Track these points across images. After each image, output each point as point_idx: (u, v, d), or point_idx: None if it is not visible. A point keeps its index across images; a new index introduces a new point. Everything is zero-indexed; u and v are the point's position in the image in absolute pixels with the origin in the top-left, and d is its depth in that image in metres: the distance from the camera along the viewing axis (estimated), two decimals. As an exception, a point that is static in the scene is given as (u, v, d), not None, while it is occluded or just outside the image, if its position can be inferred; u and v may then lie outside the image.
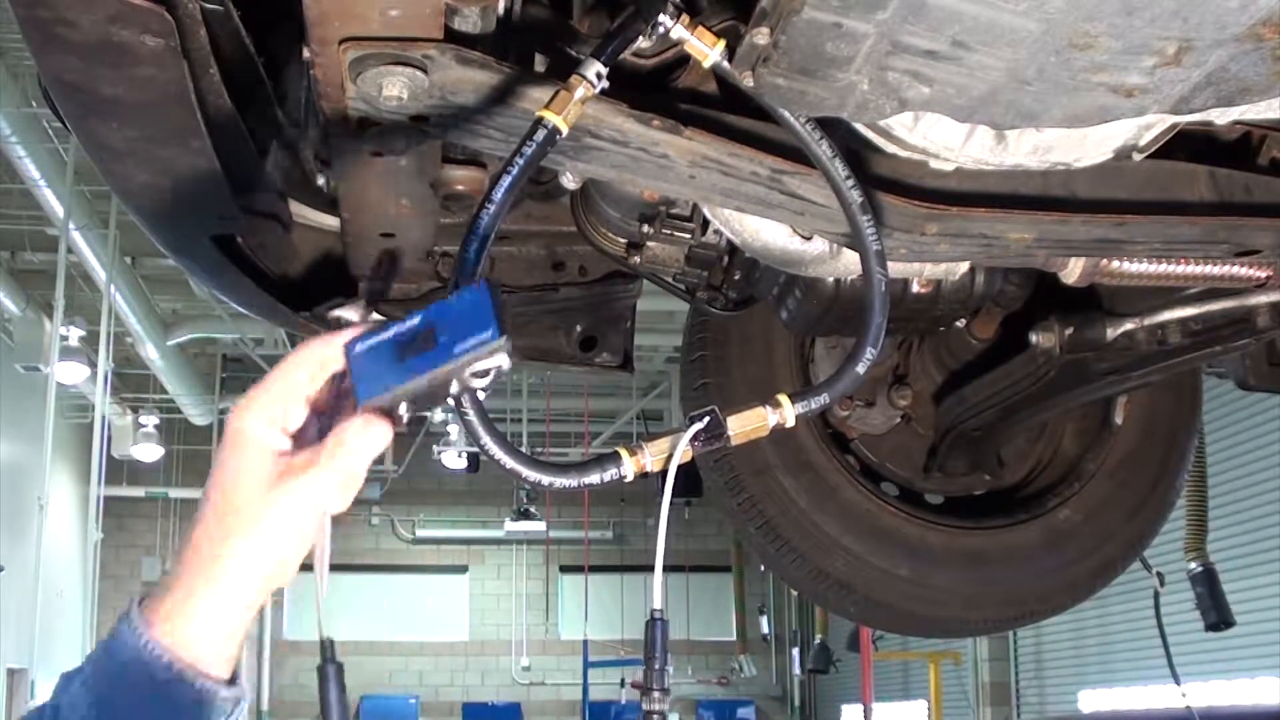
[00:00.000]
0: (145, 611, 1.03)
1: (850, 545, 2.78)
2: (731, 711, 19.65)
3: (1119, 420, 2.92)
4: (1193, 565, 4.29)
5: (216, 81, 1.45)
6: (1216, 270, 1.88)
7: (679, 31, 1.31)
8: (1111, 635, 11.76)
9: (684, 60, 1.56)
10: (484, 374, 0.99)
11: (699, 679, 19.32)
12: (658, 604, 1.16)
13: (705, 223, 2.09)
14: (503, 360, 0.98)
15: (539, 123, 1.24)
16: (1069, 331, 2.41)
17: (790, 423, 1.22)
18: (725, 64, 1.32)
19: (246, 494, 1.03)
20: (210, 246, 1.86)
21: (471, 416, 1.13)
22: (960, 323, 2.59)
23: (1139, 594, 8.38)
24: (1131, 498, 2.94)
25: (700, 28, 1.32)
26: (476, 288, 1.00)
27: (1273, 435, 9.56)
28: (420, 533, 20.44)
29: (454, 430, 17.93)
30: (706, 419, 1.19)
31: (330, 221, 1.98)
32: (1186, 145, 1.70)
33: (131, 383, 16.72)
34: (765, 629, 20.06)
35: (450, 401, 1.04)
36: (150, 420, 16.88)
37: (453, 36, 1.37)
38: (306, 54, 1.37)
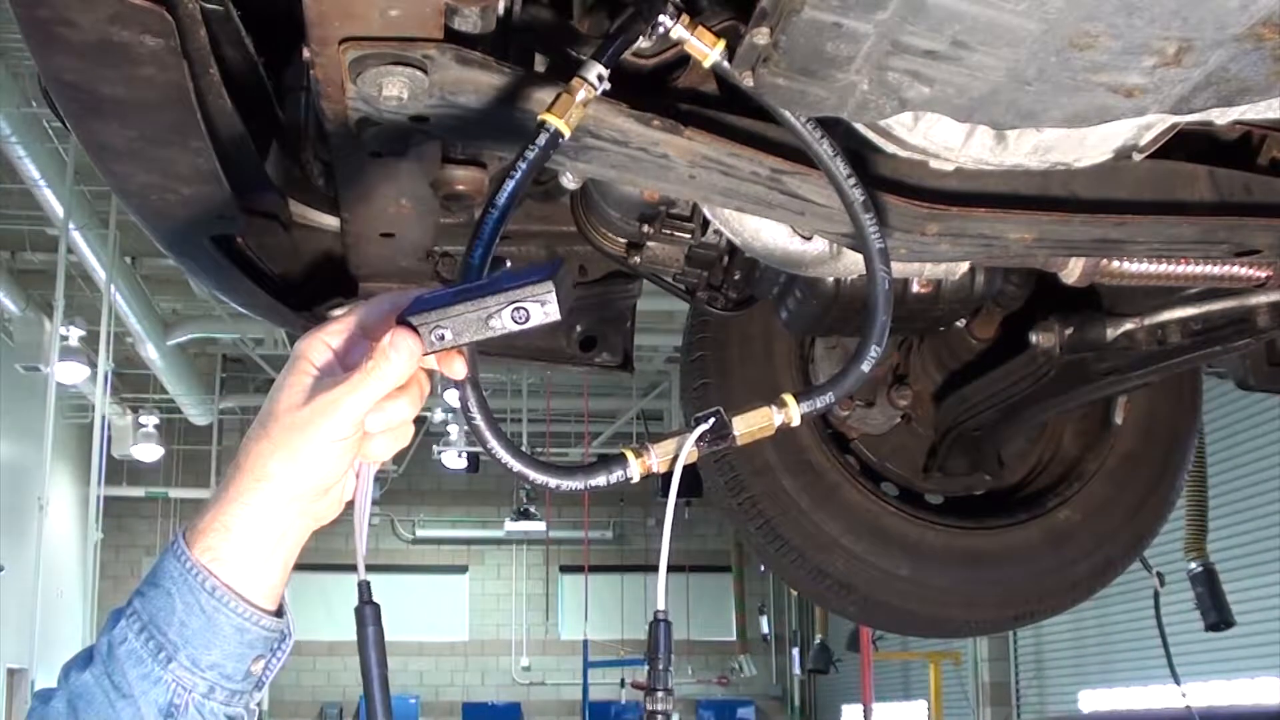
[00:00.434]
0: (188, 533, 1.05)
1: (850, 545, 2.78)
2: (731, 711, 19.66)
3: (1119, 420, 2.92)
4: (1193, 565, 4.30)
5: (216, 81, 1.45)
6: (1216, 270, 1.88)
7: (679, 32, 1.31)
8: (1111, 635, 11.76)
9: (684, 60, 1.55)
10: (525, 316, 1.02)
11: (699, 679, 19.34)
12: (661, 604, 1.15)
13: (705, 223, 2.09)
14: (550, 307, 1.02)
15: (541, 126, 1.24)
16: (1069, 331, 2.41)
17: (796, 422, 1.22)
18: (725, 64, 1.31)
19: (285, 405, 1.05)
20: (210, 246, 1.86)
21: (478, 419, 1.13)
22: (960, 323, 2.59)
23: (1139, 594, 8.39)
24: (1131, 498, 2.94)
25: (700, 28, 1.32)
26: (550, 263, 1.05)
27: (1273, 435, 9.56)
28: (420, 533, 20.45)
29: (454, 430, 17.93)
30: (712, 419, 1.18)
31: (330, 221, 1.98)
32: (1186, 145, 1.70)
33: (131, 383, 16.72)
34: (765, 629, 20.07)
35: (495, 334, 1.04)
36: (150, 420, 16.88)
37: (453, 36, 1.37)
38: (306, 54, 1.37)
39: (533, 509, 19.08)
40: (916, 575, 2.82)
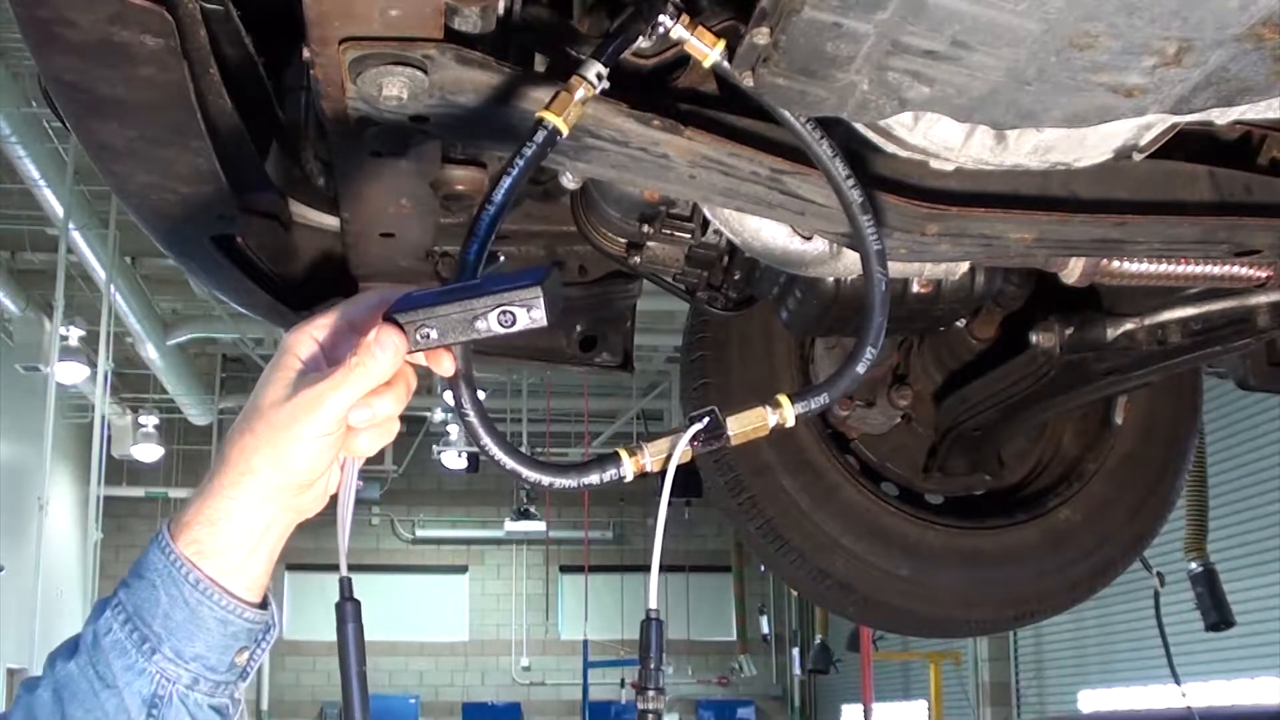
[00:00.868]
0: (172, 526, 1.06)
1: (850, 545, 2.78)
2: (731, 711, 19.65)
3: (1119, 420, 2.92)
4: (1193, 565, 4.30)
5: (216, 81, 1.45)
6: (1216, 270, 1.88)
7: (679, 31, 1.31)
8: (1111, 635, 11.76)
9: (684, 60, 1.55)
10: (511, 320, 1.02)
11: (699, 679, 19.34)
12: (653, 603, 1.16)
13: (705, 223, 2.09)
14: (536, 312, 1.02)
15: (539, 124, 1.24)
16: (1069, 331, 2.41)
17: (790, 423, 1.22)
18: (725, 64, 1.31)
19: (269, 400, 1.05)
20: (210, 246, 1.86)
21: (472, 417, 1.13)
22: (960, 323, 2.59)
23: (1139, 594, 8.38)
24: (1131, 498, 2.94)
25: (700, 28, 1.32)
26: (541, 268, 1.05)
27: (1273, 435, 9.56)
28: (420, 533, 20.44)
29: (454, 430, 17.93)
30: (706, 419, 1.19)
31: (330, 221, 1.98)
32: (1186, 145, 1.70)
33: (131, 383, 16.72)
34: (765, 629, 20.07)
35: (480, 336, 1.05)
36: (150, 420, 16.88)
37: (453, 36, 1.37)
38: (306, 54, 1.37)
39: (533, 509, 19.08)
40: (916, 575, 2.82)
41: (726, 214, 1.83)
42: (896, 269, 1.91)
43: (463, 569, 20.70)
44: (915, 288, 2.11)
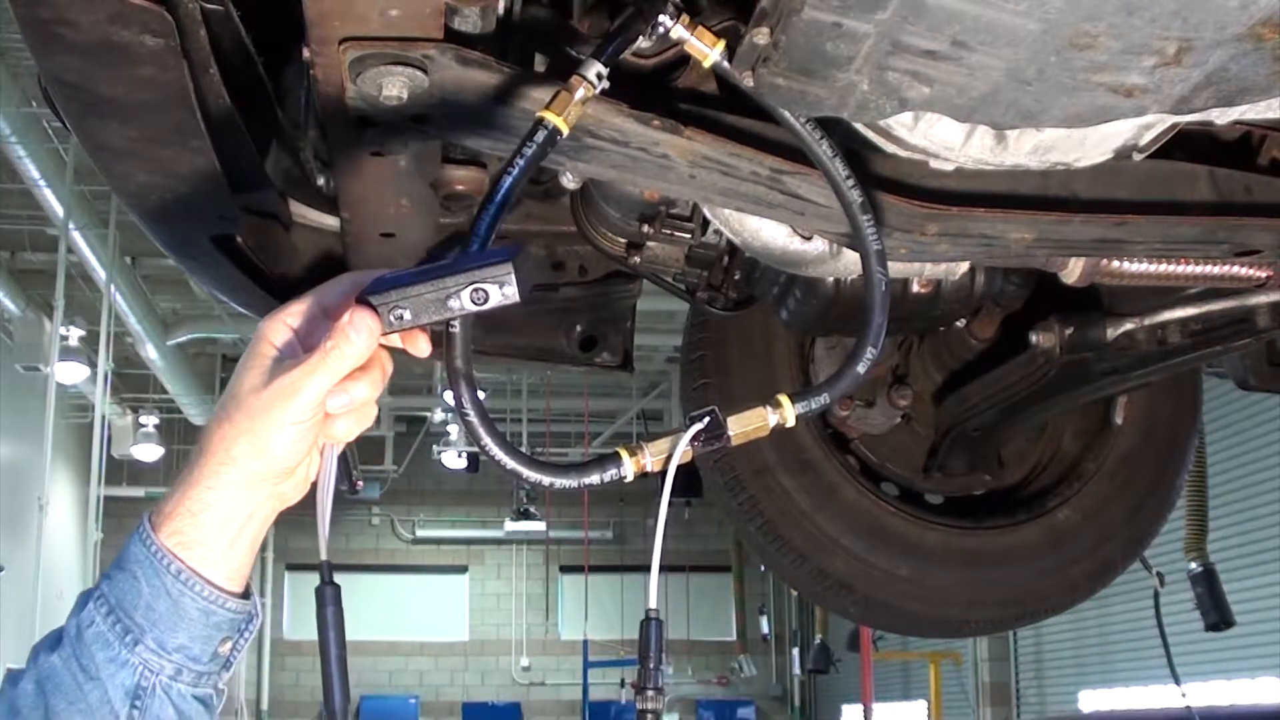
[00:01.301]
0: (153, 517, 1.06)
1: (850, 545, 2.78)
2: (731, 711, 19.64)
3: (1119, 420, 2.92)
4: (1193, 565, 4.30)
5: (216, 81, 1.45)
6: (1216, 270, 1.88)
7: (679, 31, 1.31)
8: (1111, 635, 11.76)
9: (684, 60, 1.55)
10: (484, 298, 1.02)
11: (699, 679, 19.32)
12: (653, 603, 1.16)
13: (705, 223, 2.09)
14: (509, 289, 1.02)
15: (539, 123, 1.24)
16: (1069, 331, 2.41)
17: (790, 423, 1.22)
18: (725, 64, 1.32)
19: (246, 388, 1.05)
20: (210, 246, 1.86)
21: (472, 417, 1.13)
22: (960, 323, 2.59)
23: (1139, 594, 8.38)
24: (1131, 498, 2.94)
25: (700, 28, 1.32)
26: (513, 245, 1.06)
27: (1273, 435, 9.56)
28: (420, 533, 20.43)
29: (454, 430, 17.92)
30: (706, 419, 1.19)
31: (330, 221, 1.98)
32: (1186, 145, 1.70)
33: (131, 383, 16.71)
34: (765, 629, 20.06)
35: (454, 314, 1.05)
36: (150, 420, 16.86)
37: (453, 36, 1.37)
38: (306, 54, 1.37)
39: (533, 509, 19.06)
40: (916, 575, 2.82)
41: (726, 214, 1.83)
42: (896, 269, 1.91)
43: (463, 569, 20.69)
44: (915, 288, 2.11)
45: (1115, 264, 1.87)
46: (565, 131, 1.25)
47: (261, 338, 1.08)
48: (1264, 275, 1.89)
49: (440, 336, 1.13)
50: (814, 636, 16.03)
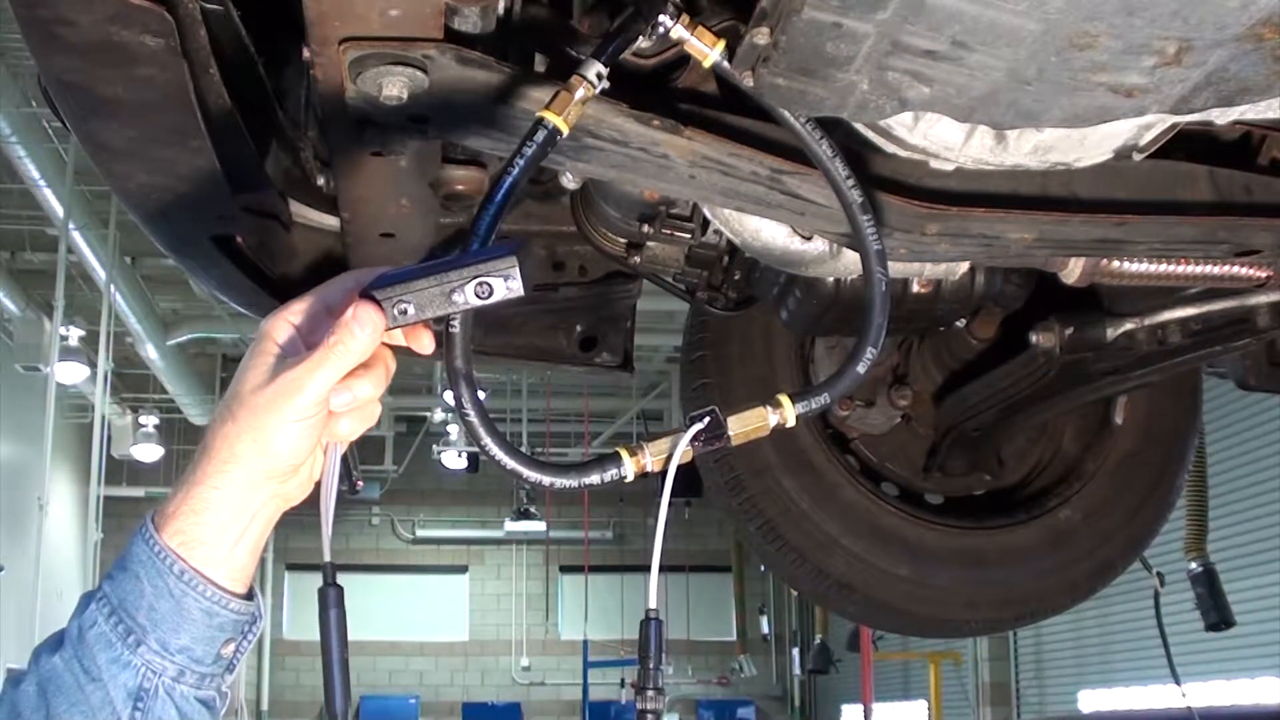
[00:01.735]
0: (156, 517, 1.05)
1: (850, 545, 2.78)
2: (731, 711, 19.65)
3: (1119, 420, 2.92)
4: (1193, 565, 4.29)
5: (216, 81, 1.45)
6: (1216, 270, 1.89)
7: (679, 31, 1.31)
8: (1111, 635, 11.76)
9: (684, 60, 1.55)
10: (488, 291, 1.02)
11: (699, 679, 19.32)
12: (653, 603, 1.16)
13: (705, 223, 2.09)
14: (513, 282, 1.02)
15: (539, 123, 1.24)
16: (1069, 331, 2.41)
17: (791, 423, 1.22)
18: (725, 64, 1.32)
19: (249, 386, 1.04)
20: (210, 246, 1.86)
21: (472, 417, 1.13)
22: (960, 323, 2.59)
23: (1139, 594, 8.37)
24: (1131, 498, 2.94)
25: (700, 28, 1.32)
26: (515, 240, 1.05)
27: (1273, 435, 9.56)
28: (420, 533, 20.44)
29: (454, 430, 17.92)
30: (707, 419, 1.19)
31: (330, 221, 1.98)
32: (1186, 145, 1.70)
33: (131, 383, 16.71)
34: (765, 629, 20.06)
35: (458, 308, 1.04)
36: (150, 420, 16.86)
37: (453, 36, 1.37)
38: (306, 54, 1.37)
39: (533, 509, 19.06)
40: (916, 575, 2.82)
41: (726, 214, 1.83)
42: (896, 269, 1.91)
43: (463, 569, 20.69)
44: (915, 288, 2.11)
45: (1115, 264, 1.87)
46: (565, 131, 1.25)
47: (265, 336, 1.07)
48: (1264, 275, 1.89)
49: (440, 337, 1.13)
50: (814, 636, 16.03)
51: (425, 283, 1.03)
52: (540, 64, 1.62)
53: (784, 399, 1.22)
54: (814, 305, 2.13)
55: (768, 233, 1.84)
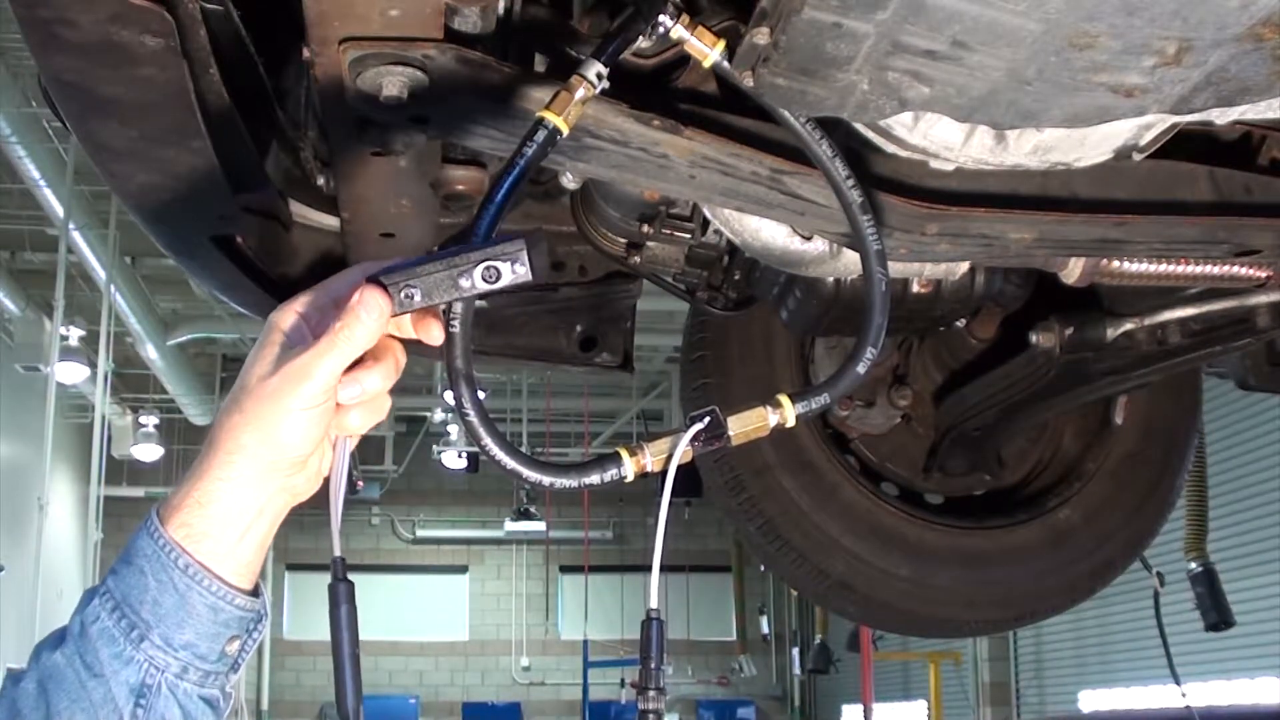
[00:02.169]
0: (161, 510, 1.04)
1: (850, 545, 2.78)
2: (731, 711, 19.64)
3: (1119, 420, 2.92)
4: (1193, 565, 4.30)
5: (216, 81, 1.45)
6: (1216, 270, 1.89)
7: (679, 32, 1.31)
8: (1111, 635, 11.76)
9: (684, 60, 1.55)
10: (496, 275, 1.01)
11: (699, 679, 19.32)
12: (654, 603, 1.16)
13: (705, 223, 2.09)
14: (520, 266, 1.01)
15: (539, 123, 1.24)
16: (1069, 331, 2.41)
17: (791, 423, 1.22)
18: (725, 64, 1.31)
19: (256, 376, 1.03)
20: (210, 246, 1.86)
21: (472, 417, 1.13)
22: (960, 323, 2.59)
23: (1139, 594, 8.37)
24: (1131, 498, 2.94)
25: (700, 28, 1.32)
26: (520, 231, 1.04)
27: (1273, 435, 9.56)
28: (420, 533, 20.44)
29: (454, 430, 17.92)
30: (707, 419, 1.19)
31: (330, 221, 1.98)
32: (1186, 145, 1.70)
33: (131, 383, 16.71)
34: (765, 629, 20.06)
35: (465, 293, 1.04)
36: (150, 420, 16.86)
37: (453, 36, 1.37)
38: (306, 54, 1.37)
39: (533, 509, 19.06)
40: (916, 575, 2.82)
41: (726, 214, 1.83)
42: (896, 269, 1.91)
43: (463, 569, 20.69)
44: (915, 288, 2.11)
45: (1115, 264, 1.87)
46: (565, 131, 1.25)
47: (272, 327, 1.07)
48: (1264, 275, 1.89)
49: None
50: (814, 636, 16.03)
51: (432, 268, 1.03)
52: (540, 64, 1.62)
53: (784, 399, 1.22)
54: (814, 305, 2.13)
55: (768, 233, 1.84)
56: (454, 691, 20.00)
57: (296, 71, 1.70)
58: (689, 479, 2.36)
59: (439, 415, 17.59)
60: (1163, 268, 1.87)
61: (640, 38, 1.33)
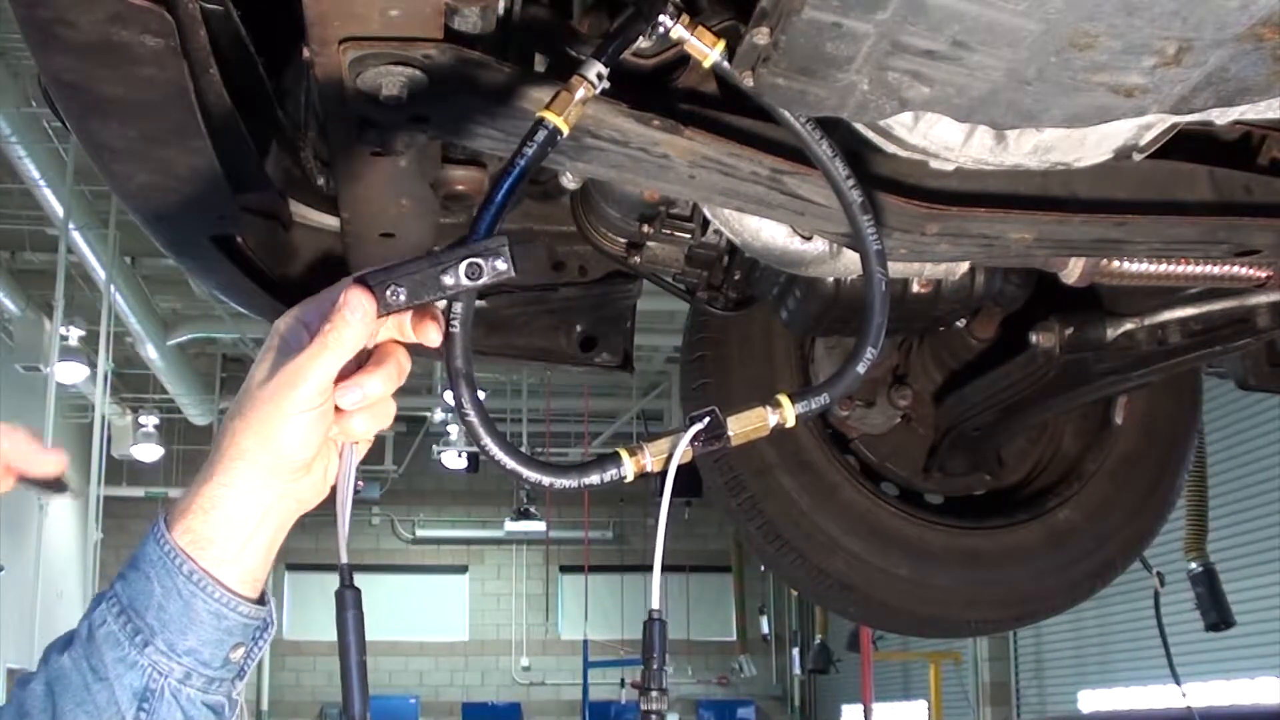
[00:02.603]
0: (168, 516, 1.04)
1: (850, 545, 2.78)
2: (731, 711, 19.64)
3: (1119, 420, 2.92)
4: (1193, 565, 4.29)
5: (216, 81, 1.45)
6: (1216, 270, 1.89)
7: (679, 32, 1.31)
8: (1111, 635, 11.76)
9: (684, 60, 1.55)
10: (478, 272, 1.03)
11: (699, 679, 19.32)
12: (656, 603, 1.16)
13: (705, 223, 2.09)
14: (502, 261, 1.03)
15: (539, 123, 1.24)
16: (1069, 331, 2.41)
17: (790, 423, 1.22)
18: (725, 64, 1.32)
19: (256, 381, 1.05)
20: (210, 246, 1.86)
21: (472, 417, 1.13)
22: (960, 323, 2.59)
23: (1139, 594, 8.38)
24: (1131, 498, 2.94)
25: (700, 28, 1.32)
26: (507, 233, 1.07)
27: (1273, 435, 9.55)
28: (420, 533, 20.44)
29: (454, 430, 17.92)
30: (706, 419, 1.19)
31: (330, 221, 1.98)
32: (1186, 145, 1.70)
33: (131, 383, 16.71)
34: (765, 629, 20.06)
35: (449, 291, 1.05)
36: (150, 420, 16.86)
37: (453, 36, 1.37)
38: (306, 54, 1.37)
39: (533, 509, 19.06)
40: (916, 575, 2.82)
41: (726, 214, 1.83)
42: (896, 269, 1.91)
43: (463, 569, 20.70)
44: (915, 288, 2.11)
45: (1115, 264, 1.87)
46: (565, 131, 1.25)
47: (274, 334, 1.08)
48: (1264, 275, 1.89)
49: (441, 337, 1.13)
50: (814, 636, 16.03)
51: (417, 267, 1.04)
52: (540, 64, 1.62)
53: (784, 399, 1.22)
54: (814, 305, 2.13)
55: (768, 233, 1.84)
56: (454, 691, 20.00)
57: (296, 71, 1.70)
58: (689, 479, 2.36)
59: (439, 415, 17.59)
60: (1163, 268, 1.87)
61: (640, 38, 1.33)
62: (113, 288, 12.41)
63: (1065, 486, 2.93)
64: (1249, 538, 9.63)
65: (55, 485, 1.22)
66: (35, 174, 10.70)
